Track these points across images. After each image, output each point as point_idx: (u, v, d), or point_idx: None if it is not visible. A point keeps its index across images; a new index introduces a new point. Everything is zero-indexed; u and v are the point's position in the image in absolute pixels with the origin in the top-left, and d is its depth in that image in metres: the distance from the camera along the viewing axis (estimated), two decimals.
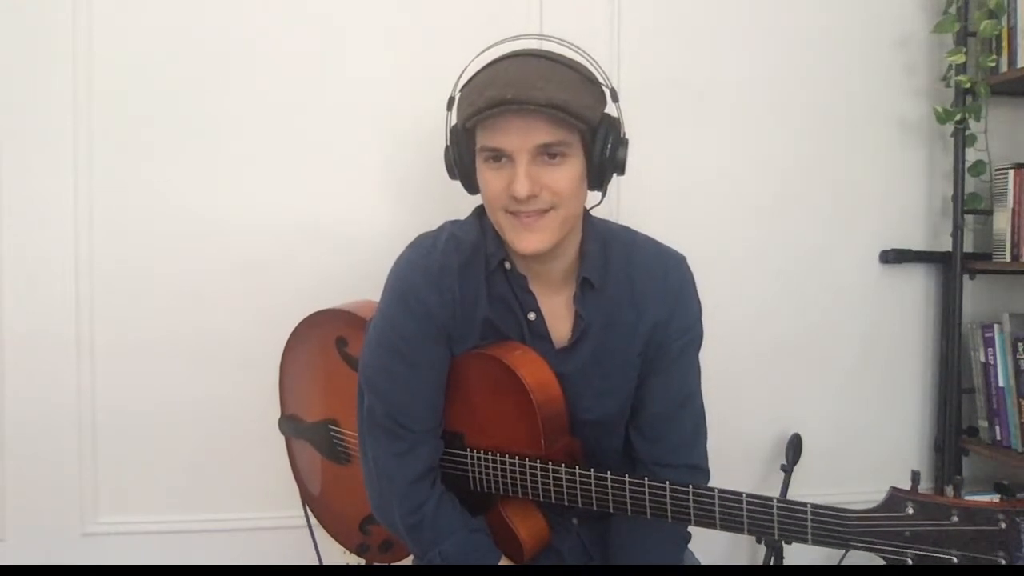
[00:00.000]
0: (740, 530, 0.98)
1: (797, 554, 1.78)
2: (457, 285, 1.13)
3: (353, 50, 1.75)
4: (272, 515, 1.73)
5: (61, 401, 1.69)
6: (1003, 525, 0.82)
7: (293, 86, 1.73)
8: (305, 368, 1.51)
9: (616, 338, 1.16)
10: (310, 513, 1.55)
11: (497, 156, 1.03)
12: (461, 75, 1.10)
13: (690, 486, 1.01)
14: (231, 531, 1.76)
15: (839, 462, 1.96)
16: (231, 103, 1.71)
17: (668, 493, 1.03)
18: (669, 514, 1.03)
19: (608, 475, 1.07)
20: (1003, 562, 0.82)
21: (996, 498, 1.82)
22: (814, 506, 0.94)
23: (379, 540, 1.39)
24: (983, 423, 1.90)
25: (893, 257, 1.95)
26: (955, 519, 0.85)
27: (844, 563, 1.90)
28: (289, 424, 1.53)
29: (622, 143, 1.08)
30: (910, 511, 0.88)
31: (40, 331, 1.68)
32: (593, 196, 1.14)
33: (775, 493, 1.77)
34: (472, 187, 1.12)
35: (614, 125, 1.07)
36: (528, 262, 1.12)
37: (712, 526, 1.00)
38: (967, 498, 0.88)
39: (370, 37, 1.75)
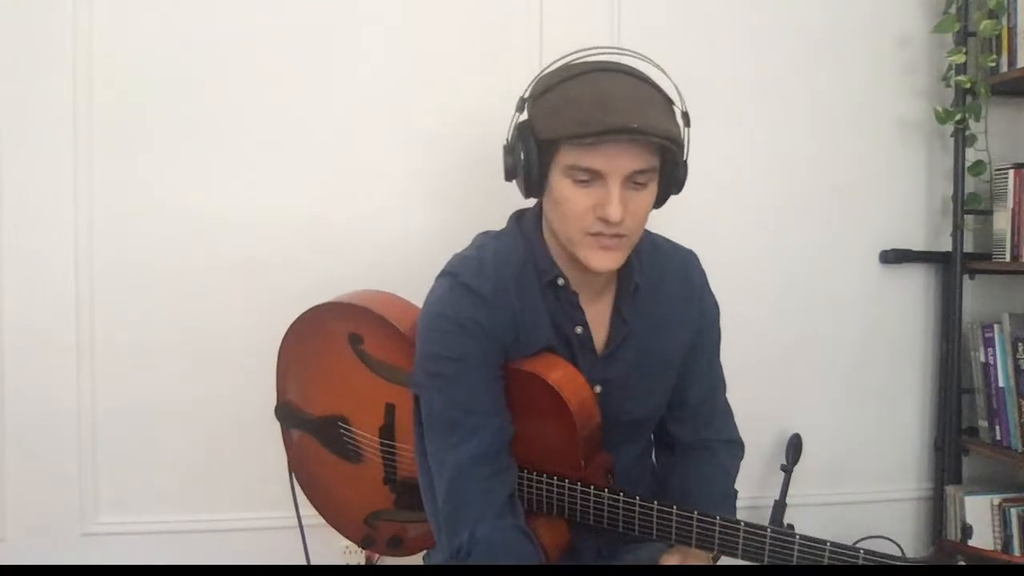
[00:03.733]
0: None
1: None
2: (516, 299, 1.11)
3: (354, 50, 1.75)
4: (272, 515, 1.73)
5: (61, 401, 1.69)
6: None
7: (293, 86, 1.73)
8: (311, 358, 1.48)
9: (656, 339, 1.18)
10: (311, 505, 1.53)
11: (587, 177, 1.01)
12: (537, 78, 1.08)
13: (741, 522, 1.02)
14: (231, 531, 1.76)
15: (839, 462, 1.96)
16: (231, 103, 1.71)
17: (694, 520, 1.05)
18: (694, 540, 1.06)
19: (655, 505, 1.08)
20: None
21: (997, 499, 1.82)
22: (867, 552, 0.92)
23: (387, 535, 1.39)
24: (983, 423, 1.90)
25: (893, 257, 1.95)
26: None
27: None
28: (287, 411, 1.50)
29: (685, 167, 1.11)
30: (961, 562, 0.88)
31: (40, 331, 1.68)
32: None
33: (775, 493, 1.78)
34: (534, 192, 1.09)
35: (684, 149, 1.09)
36: (584, 277, 1.12)
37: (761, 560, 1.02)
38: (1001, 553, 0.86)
39: (371, 37, 1.75)
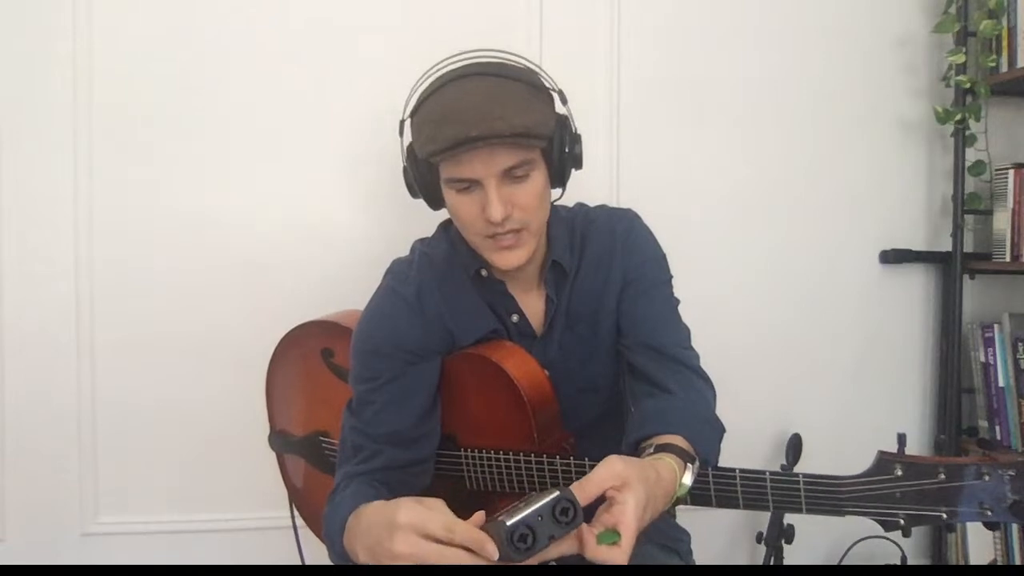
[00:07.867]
0: (736, 505, 0.99)
1: (797, 554, 1.78)
2: (441, 298, 1.15)
3: (352, 54, 1.75)
4: (272, 515, 1.73)
5: (61, 401, 1.69)
6: (987, 478, 0.85)
7: (293, 88, 1.73)
8: (292, 383, 1.50)
9: (586, 302, 1.18)
10: (311, 531, 1.53)
11: (466, 185, 1.03)
12: (409, 99, 1.10)
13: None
14: (231, 531, 1.76)
15: (839, 462, 1.94)
16: (231, 103, 1.71)
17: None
18: None
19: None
20: (989, 513, 0.83)
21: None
22: (805, 475, 0.96)
23: None
24: (983, 423, 1.90)
25: (893, 257, 1.95)
26: (942, 476, 0.87)
27: (844, 563, 1.90)
28: (279, 439, 1.52)
29: (576, 140, 1.10)
30: (899, 472, 0.90)
31: (40, 331, 1.68)
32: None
33: None
34: (436, 205, 1.13)
35: (567, 125, 1.09)
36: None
37: (708, 503, 1.00)
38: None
39: (371, 40, 1.75)
